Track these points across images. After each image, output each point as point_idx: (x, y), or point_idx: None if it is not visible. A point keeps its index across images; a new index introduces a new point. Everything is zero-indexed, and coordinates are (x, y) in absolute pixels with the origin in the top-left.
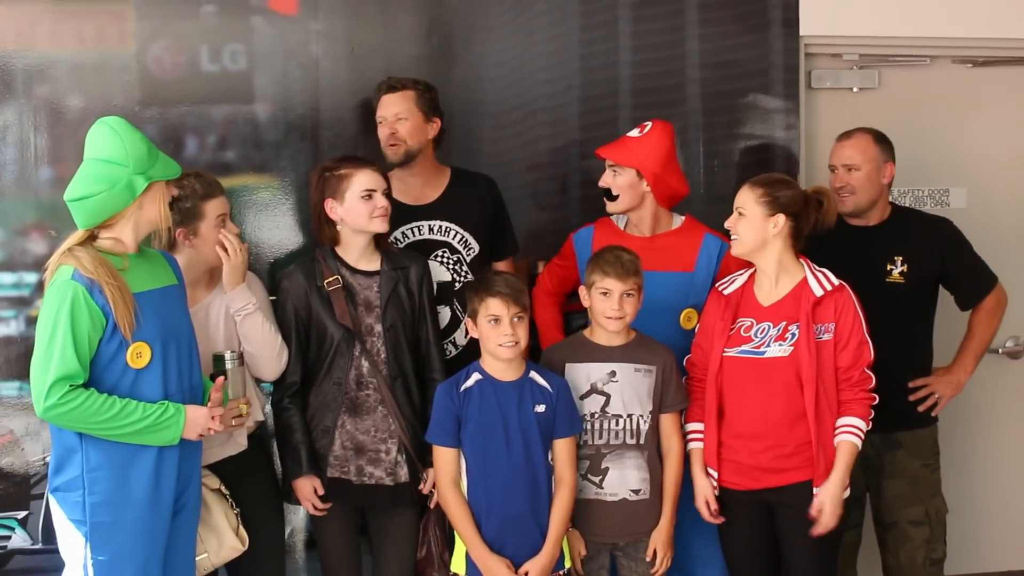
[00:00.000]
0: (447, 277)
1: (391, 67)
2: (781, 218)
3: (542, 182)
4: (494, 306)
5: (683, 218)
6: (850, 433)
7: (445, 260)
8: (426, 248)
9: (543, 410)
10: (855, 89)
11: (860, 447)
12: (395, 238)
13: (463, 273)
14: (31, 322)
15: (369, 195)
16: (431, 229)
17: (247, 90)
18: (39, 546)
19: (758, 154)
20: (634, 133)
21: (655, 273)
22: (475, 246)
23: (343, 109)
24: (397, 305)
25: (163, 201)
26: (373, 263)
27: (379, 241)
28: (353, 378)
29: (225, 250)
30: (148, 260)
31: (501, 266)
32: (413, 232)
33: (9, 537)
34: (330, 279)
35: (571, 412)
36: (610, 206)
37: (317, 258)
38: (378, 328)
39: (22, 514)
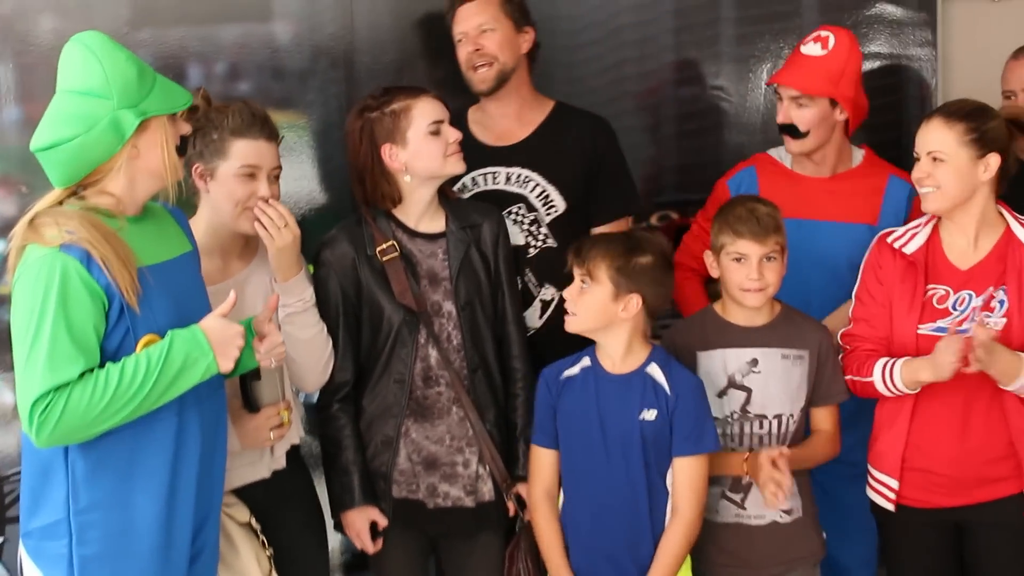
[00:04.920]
0: (520, 241)
1: None
2: (993, 158)
3: (628, 116)
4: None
5: (862, 151)
6: None
7: (520, 219)
8: (499, 201)
9: (652, 418)
10: None
11: None
12: (463, 184)
13: (540, 237)
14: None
15: (437, 128)
16: (508, 178)
17: (263, 5)
18: None
19: (887, 76)
20: (813, 49)
21: (833, 224)
22: (559, 204)
23: (383, 28)
24: (471, 275)
25: (167, 144)
26: (437, 223)
27: (442, 193)
28: (419, 372)
29: (265, 228)
30: (155, 222)
31: (610, 228)
32: (486, 179)
33: None
34: (384, 246)
35: (699, 423)
36: (795, 145)
37: (365, 219)
38: (448, 307)
39: None
